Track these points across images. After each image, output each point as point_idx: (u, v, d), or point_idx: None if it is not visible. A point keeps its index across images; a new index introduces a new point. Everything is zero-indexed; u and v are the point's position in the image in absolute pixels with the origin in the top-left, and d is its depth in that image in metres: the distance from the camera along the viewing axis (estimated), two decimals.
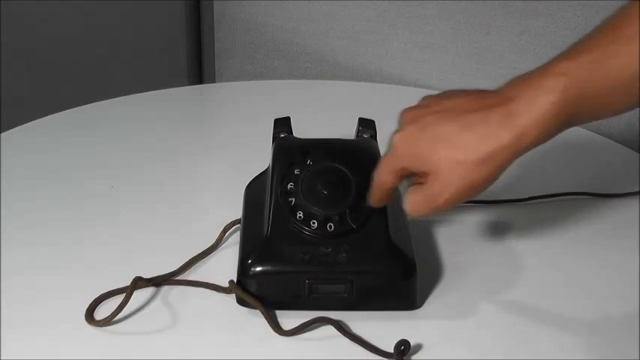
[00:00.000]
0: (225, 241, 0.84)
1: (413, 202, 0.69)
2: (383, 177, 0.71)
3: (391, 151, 0.69)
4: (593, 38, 0.64)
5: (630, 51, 0.62)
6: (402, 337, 0.70)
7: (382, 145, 0.82)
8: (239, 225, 0.82)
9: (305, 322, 0.72)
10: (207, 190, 0.96)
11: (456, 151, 0.65)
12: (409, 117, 0.69)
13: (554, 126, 0.64)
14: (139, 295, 0.76)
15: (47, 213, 0.89)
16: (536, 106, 0.63)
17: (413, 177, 0.70)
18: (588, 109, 0.64)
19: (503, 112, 0.64)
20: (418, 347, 0.71)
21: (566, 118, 0.64)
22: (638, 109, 1.15)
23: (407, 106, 0.70)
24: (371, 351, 0.70)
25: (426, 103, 0.70)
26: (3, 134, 1.02)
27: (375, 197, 0.74)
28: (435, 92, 1.07)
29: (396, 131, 0.69)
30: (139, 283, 0.75)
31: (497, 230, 0.87)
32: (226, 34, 1.36)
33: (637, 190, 0.94)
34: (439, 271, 0.81)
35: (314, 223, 0.74)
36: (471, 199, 0.67)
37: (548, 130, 0.64)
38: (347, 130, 0.85)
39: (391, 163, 0.70)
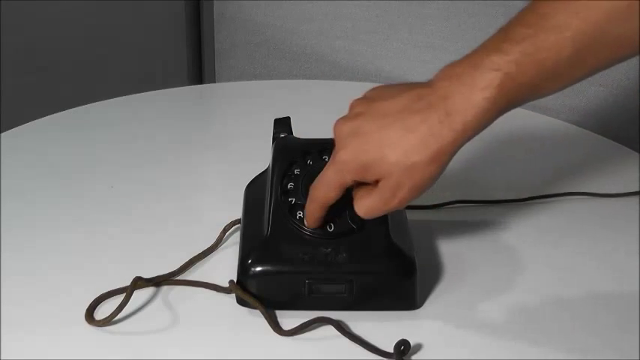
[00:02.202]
0: (225, 241, 0.84)
1: (368, 207, 0.69)
2: (328, 194, 0.71)
3: (338, 167, 0.69)
4: (521, 26, 0.65)
5: (559, 40, 0.63)
6: (402, 337, 0.70)
7: None
8: (239, 225, 0.82)
9: (305, 322, 0.72)
10: (207, 190, 0.96)
11: (404, 156, 0.66)
12: (348, 130, 0.69)
13: (493, 116, 0.66)
14: (139, 295, 0.76)
15: (47, 213, 0.89)
16: (473, 104, 0.64)
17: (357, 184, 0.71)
18: (523, 95, 0.66)
19: (441, 111, 0.65)
20: (418, 347, 0.71)
21: (503, 107, 0.65)
22: (638, 108, 1.16)
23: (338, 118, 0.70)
24: (371, 351, 0.70)
25: (359, 110, 0.70)
26: (3, 134, 1.02)
27: (315, 216, 0.73)
28: None
29: (338, 146, 0.69)
30: (138, 283, 0.75)
31: (497, 230, 0.87)
32: (226, 34, 1.36)
33: (637, 190, 0.94)
34: (439, 271, 0.81)
35: None
36: (422, 193, 0.68)
37: (487, 121, 0.66)
38: None
39: (339, 179, 0.70)
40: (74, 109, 1.10)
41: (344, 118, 0.70)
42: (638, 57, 1.12)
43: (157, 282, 0.77)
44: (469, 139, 0.66)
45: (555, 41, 0.63)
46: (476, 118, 0.65)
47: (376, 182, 0.68)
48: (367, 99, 0.71)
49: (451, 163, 1.00)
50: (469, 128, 0.65)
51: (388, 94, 0.70)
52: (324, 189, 0.71)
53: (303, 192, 0.76)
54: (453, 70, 0.66)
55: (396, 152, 0.66)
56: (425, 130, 0.66)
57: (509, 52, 0.64)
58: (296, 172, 0.77)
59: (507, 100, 0.65)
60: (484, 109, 0.64)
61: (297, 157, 0.78)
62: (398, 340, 0.70)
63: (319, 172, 0.76)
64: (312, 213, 0.73)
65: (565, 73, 0.65)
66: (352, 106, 0.71)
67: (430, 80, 0.68)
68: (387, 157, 0.66)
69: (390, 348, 0.70)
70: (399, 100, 0.68)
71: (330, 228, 0.74)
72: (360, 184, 0.70)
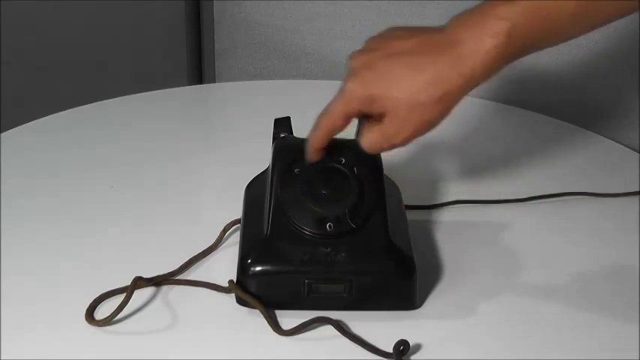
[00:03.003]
0: (225, 241, 0.84)
1: (371, 141, 0.72)
2: (335, 121, 0.73)
3: (345, 95, 0.71)
4: None
5: None
6: (401, 337, 0.70)
7: None
8: (239, 225, 0.82)
9: (304, 322, 0.72)
10: (207, 190, 0.96)
11: (411, 94, 0.69)
12: (360, 62, 0.71)
13: (500, 65, 0.68)
14: (139, 295, 0.76)
15: (47, 213, 0.89)
16: (482, 50, 0.67)
17: (363, 118, 0.73)
18: (531, 45, 0.69)
19: (452, 54, 0.68)
20: (418, 347, 0.71)
21: (510, 57, 0.68)
22: (638, 108, 1.16)
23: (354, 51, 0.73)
24: (370, 351, 0.70)
25: (374, 46, 0.72)
26: (3, 134, 1.02)
27: (318, 145, 0.75)
28: None
29: (348, 76, 0.71)
30: (139, 283, 0.75)
31: (497, 230, 0.87)
32: (226, 34, 1.36)
33: (637, 190, 0.94)
34: (439, 271, 0.81)
35: (314, 223, 0.74)
36: (423, 134, 0.70)
37: (494, 69, 0.68)
38: (347, 130, 0.85)
39: (345, 107, 0.72)
40: (74, 109, 1.10)
41: (359, 51, 0.73)
42: (638, 57, 1.12)
43: (157, 282, 0.77)
44: (475, 85, 0.69)
45: None
46: (484, 65, 0.67)
47: (381, 118, 0.70)
48: (384, 37, 0.73)
49: (451, 163, 1.00)
50: (476, 74, 0.68)
51: (403, 34, 0.72)
52: (331, 116, 0.73)
53: (303, 192, 0.76)
54: (465, 17, 0.69)
55: (403, 89, 0.69)
56: (433, 72, 0.68)
57: (516, 4, 0.67)
58: (296, 172, 0.77)
59: (514, 49, 0.67)
60: (492, 56, 0.67)
61: (297, 157, 0.78)
62: (397, 340, 0.70)
63: (319, 172, 0.77)
64: (315, 141, 0.75)
65: (568, 28, 0.68)
66: (369, 42, 0.74)
67: (443, 26, 0.70)
68: (393, 92, 0.69)
69: (389, 348, 0.70)
70: (412, 40, 0.71)
71: (330, 228, 0.74)
72: (366, 119, 0.72)
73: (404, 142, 0.71)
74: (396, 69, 0.69)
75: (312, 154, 0.76)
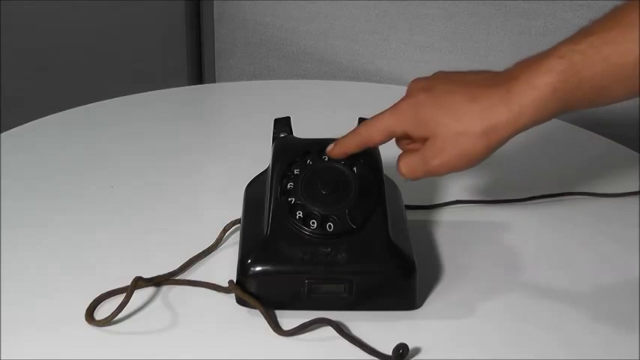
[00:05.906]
0: (225, 241, 0.84)
1: (408, 163, 0.72)
2: (374, 134, 0.73)
3: (396, 112, 0.71)
4: (597, 23, 0.66)
5: (629, 38, 0.63)
6: (401, 338, 0.70)
7: (382, 146, 0.82)
8: (239, 225, 0.82)
9: (304, 323, 0.72)
10: (207, 190, 0.96)
11: (458, 122, 0.68)
12: (420, 85, 0.72)
13: (551, 108, 0.66)
14: (139, 295, 0.76)
15: (47, 213, 0.89)
16: (533, 87, 0.65)
17: (402, 142, 0.74)
18: (586, 93, 0.65)
19: (504, 89, 0.67)
20: (418, 348, 0.71)
21: (563, 100, 0.66)
22: (638, 108, 1.16)
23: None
24: (369, 353, 0.70)
25: (437, 75, 0.73)
26: (3, 134, 1.02)
27: (346, 149, 0.75)
28: None
29: (403, 97, 0.72)
30: (139, 283, 0.75)
31: (498, 230, 0.87)
32: (226, 34, 1.36)
33: (637, 190, 0.94)
34: (439, 271, 0.81)
35: (313, 223, 0.74)
36: (464, 169, 0.70)
37: (544, 110, 0.66)
38: (347, 130, 0.85)
39: (391, 124, 0.72)
40: (74, 109, 1.10)
41: (422, 77, 0.73)
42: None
43: (157, 282, 0.77)
44: (524, 126, 0.67)
45: (625, 38, 0.63)
46: (532, 103, 0.66)
47: (423, 143, 0.70)
48: (450, 72, 0.73)
49: None
50: (524, 112, 0.66)
51: (470, 72, 0.72)
52: (373, 128, 0.73)
53: (303, 192, 0.76)
54: (528, 58, 0.68)
55: (451, 115, 0.68)
56: (485, 103, 0.67)
57: (577, 43, 0.65)
58: (296, 172, 0.77)
59: (567, 93, 0.65)
60: (541, 96, 0.65)
61: (297, 157, 0.78)
62: (397, 341, 0.69)
63: (319, 172, 0.77)
64: (346, 144, 0.75)
65: (631, 74, 0.64)
66: (435, 73, 0.74)
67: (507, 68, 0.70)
68: (441, 117, 0.69)
69: (389, 348, 0.70)
70: (475, 75, 0.71)
71: (330, 228, 0.74)
72: (405, 144, 0.73)
73: (441, 168, 0.70)
74: (451, 95, 0.69)
75: (334, 152, 0.76)
